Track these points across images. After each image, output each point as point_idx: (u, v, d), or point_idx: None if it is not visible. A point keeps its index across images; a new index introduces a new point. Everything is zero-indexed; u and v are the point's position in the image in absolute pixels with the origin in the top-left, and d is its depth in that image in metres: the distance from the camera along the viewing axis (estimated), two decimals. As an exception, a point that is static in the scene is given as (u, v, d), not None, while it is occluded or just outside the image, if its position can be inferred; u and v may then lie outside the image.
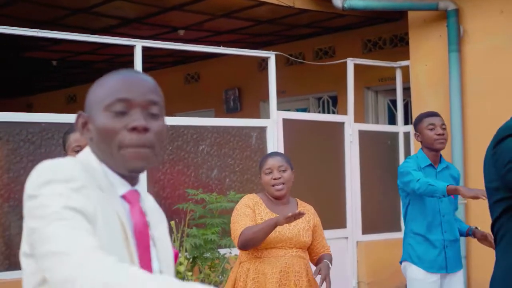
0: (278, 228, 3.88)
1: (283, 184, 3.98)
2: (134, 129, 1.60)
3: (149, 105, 1.64)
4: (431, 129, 4.64)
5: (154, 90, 1.67)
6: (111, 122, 1.61)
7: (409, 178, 4.46)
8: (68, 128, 3.54)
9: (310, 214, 4.08)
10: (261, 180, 4.06)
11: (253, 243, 3.82)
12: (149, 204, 1.76)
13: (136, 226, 1.64)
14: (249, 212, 3.92)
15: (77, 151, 3.38)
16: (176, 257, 1.81)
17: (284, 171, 4.00)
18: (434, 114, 4.76)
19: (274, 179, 3.96)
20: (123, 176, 1.66)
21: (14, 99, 14.02)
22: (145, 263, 1.64)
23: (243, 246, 3.85)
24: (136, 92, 1.63)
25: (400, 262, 4.78)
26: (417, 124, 4.73)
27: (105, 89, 1.65)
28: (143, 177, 5.62)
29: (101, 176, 1.63)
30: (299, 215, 3.68)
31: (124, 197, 1.65)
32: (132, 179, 1.68)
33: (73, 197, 1.49)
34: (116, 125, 1.61)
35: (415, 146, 7.34)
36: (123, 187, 1.66)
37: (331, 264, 4.02)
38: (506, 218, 2.79)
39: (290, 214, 3.69)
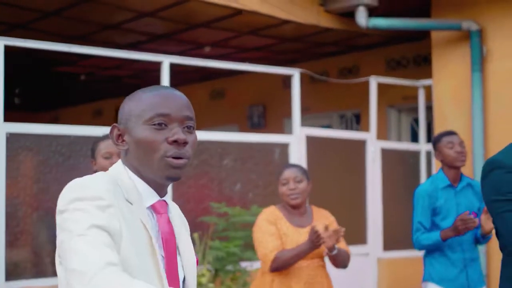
0: (298, 241, 4.01)
1: (298, 194, 4.11)
2: (175, 141, 1.74)
3: (185, 120, 1.78)
4: (450, 147, 4.71)
5: (188, 106, 1.81)
6: (152, 135, 1.74)
7: (413, 234, 4.67)
8: (97, 138, 3.74)
9: (324, 219, 4.20)
10: (279, 191, 4.20)
11: (285, 268, 3.97)
12: (174, 213, 1.88)
13: (163, 234, 1.77)
14: (272, 230, 4.04)
15: (106, 157, 3.57)
16: (196, 263, 1.92)
17: (299, 182, 4.14)
18: (451, 133, 4.83)
19: (290, 189, 4.11)
20: (152, 187, 1.79)
21: (40, 113, 14.26)
22: (172, 271, 1.76)
23: (275, 270, 3.98)
24: (174, 108, 1.77)
25: (423, 281, 4.85)
26: (436, 144, 4.80)
27: (144, 103, 1.77)
28: (169, 189, 5.74)
29: (131, 189, 1.75)
30: (320, 232, 3.82)
31: (152, 207, 1.78)
32: (160, 190, 1.80)
33: (98, 215, 1.62)
34: (157, 137, 1.74)
35: (437, 165, 7.39)
36: (152, 197, 1.78)
37: (344, 260, 4.11)
38: None
39: (315, 231, 3.83)
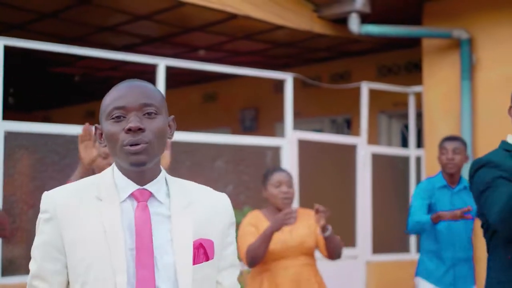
0: (281, 239, 4.08)
1: (290, 198, 4.21)
2: (129, 130, 1.86)
3: (142, 107, 1.90)
4: (443, 154, 4.86)
5: (147, 94, 1.92)
6: (112, 128, 1.89)
7: (408, 218, 4.78)
8: None
9: (310, 219, 4.25)
10: (267, 192, 4.26)
11: (259, 257, 4.01)
12: (183, 199, 1.97)
13: (136, 221, 1.88)
14: (252, 230, 4.12)
15: (104, 157, 3.78)
16: (211, 247, 1.96)
17: (291, 186, 4.23)
18: (449, 139, 4.97)
19: (284, 192, 4.18)
20: (131, 177, 1.92)
21: (33, 112, 14.30)
22: (144, 256, 1.85)
23: (251, 264, 4.05)
24: (129, 99, 1.89)
25: (415, 277, 4.99)
26: (438, 147, 4.98)
27: (106, 101, 1.93)
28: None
29: (107, 186, 1.92)
30: (288, 215, 3.88)
31: (133, 195, 1.91)
32: (139, 179, 1.92)
33: (44, 230, 1.88)
34: (116, 129, 1.88)
35: (427, 169, 7.52)
36: (130, 188, 1.92)
37: (338, 246, 4.17)
38: (487, 236, 3.03)
39: (280, 215, 3.89)
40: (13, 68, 8.91)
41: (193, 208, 1.97)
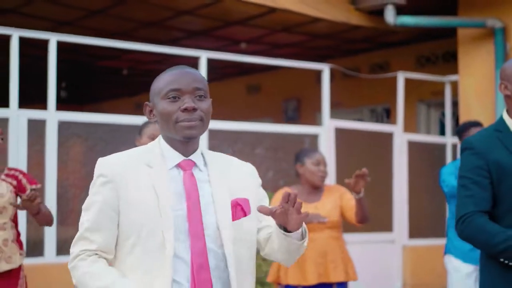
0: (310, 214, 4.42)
1: (325, 177, 4.64)
2: (185, 109, 2.19)
3: (195, 91, 2.23)
4: None
5: (198, 80, 2.25)
6: (168, 106, 2.21)
7: (442, 179, 4.94)
8: (148, 121, 4.19)
9: (334, 193, 4.64)
10: (303, 168, 4.61)
11: None
12: (214, 166, 2.29)
13: (185, 186, 2.21)
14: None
15: (152, 138, 4.06)
16: (247, 204, 2.26)
17: (326, 166, 4.66)
18: (479, 124, 5.11)
19: (321, 171, 4.59)
20: (178, 149, 2.24)
21: (84, 105, 14.80)
22: (195, 215, 2.18)
23: None
24: (184, 82, 2.22)
25: (444, 254, 5.20)
26: (462, 132, 5.08)
27: (162, 82, 2.26)
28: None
29: (156, 155, 2.23)
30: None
31: (179, 165, 2.24)
32: (185, 151, 2.25)
33: (99, 191, 2.15)
34: (171, 108, 2.21)
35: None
36: (177, 158, 2.25)
37: (367, 210, 4.50)
38: None
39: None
40: (65, 63, 9.35)
41: (227, 173, 2.30)
